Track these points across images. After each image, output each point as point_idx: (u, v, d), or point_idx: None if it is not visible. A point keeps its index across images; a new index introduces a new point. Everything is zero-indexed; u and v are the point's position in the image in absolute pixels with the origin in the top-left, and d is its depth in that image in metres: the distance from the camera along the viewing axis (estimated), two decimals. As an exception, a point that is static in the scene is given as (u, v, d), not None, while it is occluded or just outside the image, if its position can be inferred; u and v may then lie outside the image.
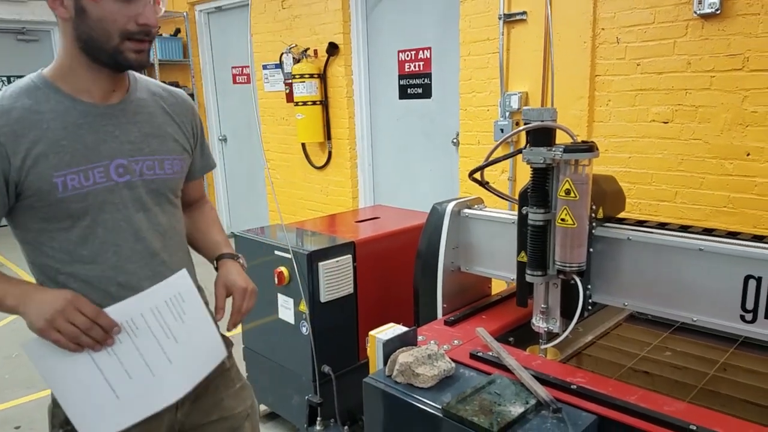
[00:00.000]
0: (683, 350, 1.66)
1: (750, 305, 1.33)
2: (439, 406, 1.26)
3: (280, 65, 4.90)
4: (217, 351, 1.28)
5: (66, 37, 1.13)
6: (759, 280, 1.31)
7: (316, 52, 4.63)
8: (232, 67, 5.81)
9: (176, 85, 5.32)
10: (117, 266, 1.18)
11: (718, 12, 2.60)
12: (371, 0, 4.40)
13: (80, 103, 1.15)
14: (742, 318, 1.34)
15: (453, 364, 1.42)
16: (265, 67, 5.16)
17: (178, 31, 6.17)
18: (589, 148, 1.39)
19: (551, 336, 1.56)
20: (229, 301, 1.32)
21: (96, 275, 1.16)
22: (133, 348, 1.14)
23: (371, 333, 1.52)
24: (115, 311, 1.12)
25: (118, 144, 1.18)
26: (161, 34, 6.04)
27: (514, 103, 3.33)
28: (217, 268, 1.36)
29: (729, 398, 1.41)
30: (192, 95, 6.10)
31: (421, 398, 1.31)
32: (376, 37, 4.44)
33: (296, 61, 4.65)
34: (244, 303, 1.31)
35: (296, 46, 4.73)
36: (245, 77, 5.69)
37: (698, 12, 2.64)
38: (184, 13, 6.00)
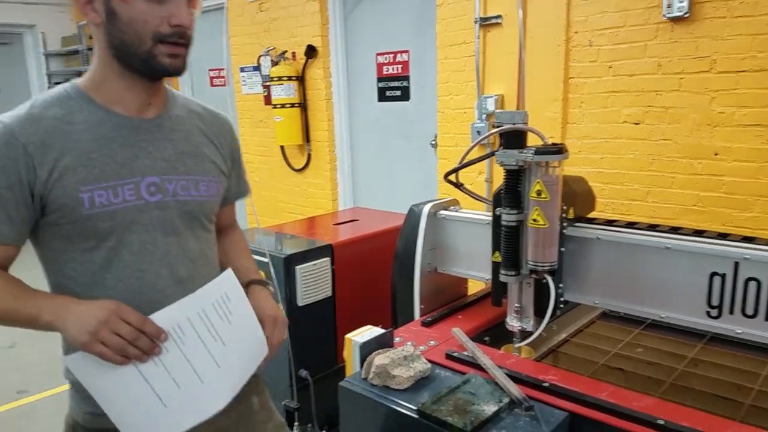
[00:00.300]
0: (655, 347, 1.69)
1: (715, 301, 1.36)
2: (415, 407, 1.27)
3: (257, 68, 4.89)
4: (260, 348, 1.22)
5: (99, 45, 1.08)
6: (723, 276, 1.34)
7: (294, 54, 4.63)
8: (209, 70, 5.77)
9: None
10: (140, 293, 1.10)
11: (687, 15, 2.66)
12: (349, 3, 4.41)
13: (114, 116, 1.09)
14: (708, 314, 1.37)
15: (429, 365, 1.43)
16: (242, 69, 5.13)
17: (154, 33, 6.11)
18: (558, 150, 1.42)
19: (525, 335, 1.58)
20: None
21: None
22: (181, 356, 1.07)
23: (347, 336, 1.53)
24: (161, 317, 1.05)
25: (151, 161, 1.11)
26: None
27: (491, 106, 3.36)
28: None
29: (699, 393, 1.44)
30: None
31: (396, 400, 1.32)
32: (355, 40, 4.45)
33: (274, 63, 4.64)
34: (275, 334, 1.23)
35: (274, 48, 4.72)
36: (222, 80, 5.65)
37: (667, 15, 2.71)
38: (160, 16, 5.94)
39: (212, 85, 5.80)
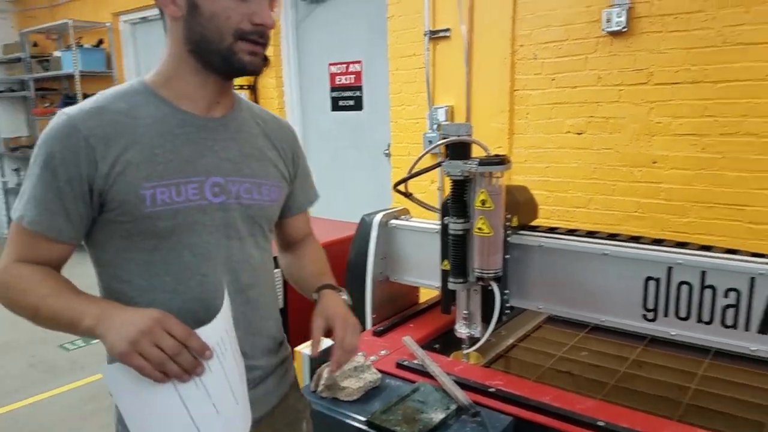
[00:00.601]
0: (599, 349, 1.74)
1: (651, 305, 1.43)
2: (364, 418, 1.27)
3: (208, 77, 4.82)
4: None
5: (174, 39, 1.04)
6: (658, 281, 1.41)
7: (245, 64, 4.58)
8: (159, 79, 5.65)
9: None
10: (200, 299, 1.04)
11: (625, 30, 2.78)
12: (301, 12, 4.41)
13: (180, 112, 1.05)
14: (645, 317, 1.44)
15: (379, 375, 1.44)
16: (193, 79, 5.05)
17: (101, 41, 5.93)
18: (501, 161, 1.46)
19: (474, 341, 1.61)
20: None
21: (177, 307, 1.00)
22: (222, 375, 0.96)
23: (297, 348, 1.52)
24: (206, 333, 0.95)
25: (216, 160, 1.07)
26: (81, 45, 5.79)
27: (441, 116, 3.42)
28: (316, 301, 1.20)
29: (641, 394, 1.49)
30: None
31: (345, 412, 1.32)
32: (307, 50, 4.45)
33: (225, 73, 4.58)
34: (347, 336, 1.12)
35: (225, 57, 4.66)
36: (173, 89, 5.54)
37: (607, 30, 2.82)
38: (108, 24, 5.78)
39: (162, 94, 5.68)
